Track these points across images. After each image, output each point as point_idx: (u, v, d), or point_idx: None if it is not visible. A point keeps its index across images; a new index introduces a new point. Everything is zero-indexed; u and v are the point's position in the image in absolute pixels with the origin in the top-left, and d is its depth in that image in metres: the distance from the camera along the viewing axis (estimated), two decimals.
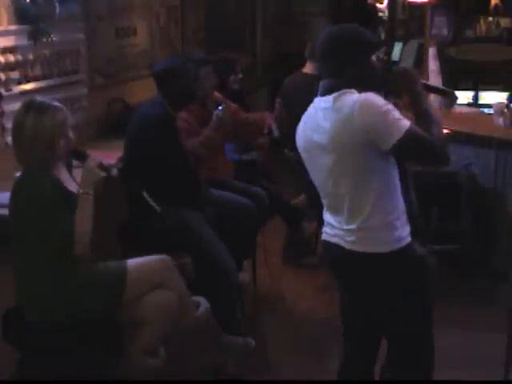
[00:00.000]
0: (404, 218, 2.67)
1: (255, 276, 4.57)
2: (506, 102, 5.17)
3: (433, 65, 5.66)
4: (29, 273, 2.92)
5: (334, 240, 2.69)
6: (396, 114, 2.52)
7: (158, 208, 3.32)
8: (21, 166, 2.94)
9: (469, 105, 6.06)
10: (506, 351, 3.39)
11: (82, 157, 3.03)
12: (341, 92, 2.60)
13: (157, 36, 5.97)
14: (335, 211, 2.68)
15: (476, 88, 6.80)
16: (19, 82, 3.94)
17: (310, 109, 2.71)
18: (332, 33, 2.69)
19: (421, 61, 6.17)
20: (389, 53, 7.51)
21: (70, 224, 2.84)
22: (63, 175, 3.02)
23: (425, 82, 2.82)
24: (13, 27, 3.91)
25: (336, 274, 2.81)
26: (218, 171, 4.39)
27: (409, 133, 2.50)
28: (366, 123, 2.50)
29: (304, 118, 2.73)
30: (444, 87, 2.84)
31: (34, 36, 4.01)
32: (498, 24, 8.23)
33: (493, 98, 5.85)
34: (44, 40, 4.08)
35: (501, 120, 4.88)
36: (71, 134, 2.96)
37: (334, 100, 2.59)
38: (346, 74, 2.62)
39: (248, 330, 3.94)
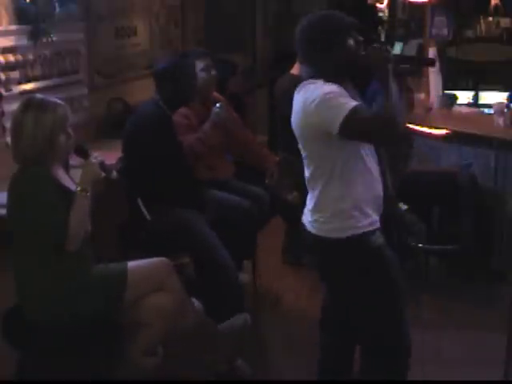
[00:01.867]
0: (367, 206, 2.71)
1: (255, 276, 4.57)
2: (505, 102, 5.17)
3: None
4: (28, 273, 2.92)
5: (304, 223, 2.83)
6: (339, 99, 2.59)
7: (148, 216, 3.34)
8: (17, 163, 2.93)
9: (469, 105, 6.05)
10: (506, 351, 3.39)
11: (84, 153, 3.03)
12: (306, 82, 2.71)
13: (157, 36, 5.97)
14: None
15: (476, 88, 6.79)
16: (19, 82, 3.94)
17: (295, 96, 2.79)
18: (306, 20, 2.76)
19: None
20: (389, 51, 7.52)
21: (64, 221, 2.84)
22: (60, 174, 3.01)
23: (394, 53, 2.84)
24: (13, 27, 3.91)
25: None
26: (218, 171, 4.39)
27: (353, 111, 2.55)
28: (309, 117, 2.62)
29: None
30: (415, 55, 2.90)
31: (34, 36, 4.01)
32: (498, 24, 8.22)
33: (493, 97, 5.84)
34: (44, 40, 4.08)
35: (501, 120, 4.88)
36: (71, 131, 2.95)
37: (299, 90, 2.72)
38: (320, 60, 2.70)
39: (248, 330, 3.95)
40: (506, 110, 4.91)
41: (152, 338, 3.09)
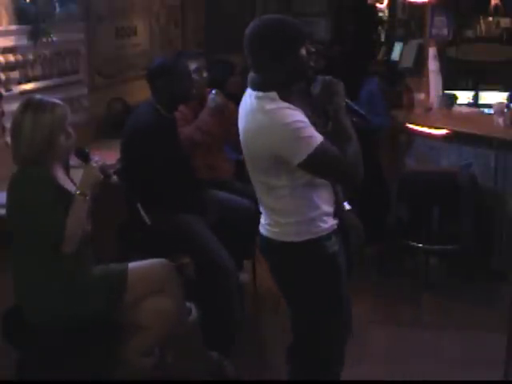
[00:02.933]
0: (323, 210, 2.64)
1: (255, 276, 4.57)
2: (505, 102, 5.17)
3: (433, 65, 5.66)
4: (27, 273, 2.91)
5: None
6: (306, 131, 2.48)
7: (148, 221, 3.33)
8: (17, 164, 2.92)
9: (469, 105, 6.06)
10: (506, 351, 3.39)
11: (85, 157, 3.03)
12: (261, 95, 2.57)
13: (157, 36, 5.97)
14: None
15: (476, 88, 6.79)
16: (19, 82, 3.94)
17: (244, 98, 2.69)
18: (256, 26, 2.60)
19: (421, 61, 6.18)
20: (389, 52, 7.53)
21: (63, 222, 2.83)
22: (60, 174, 3.00)
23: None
24: (13, 27, 3.90)
25: None
26: (217, 171, 4.38)
27: (317, 151, 2.47)
28: (271, 142, 2.50)
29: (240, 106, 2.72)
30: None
31: (34, 36, 4.01)
32: (498, 24, 8.22)
33: (493, 97, 5.84)
34: (44, 40, 4.08)
35: (501, 120, 4.88)
36: (71, 130, 2.95)
37: (253, 102, 2.58)
38: (270, 69, 2.56)
39: (248, 330, 3.95)
40: (506, 110, 4.91)
41: (150, 339, 3.09)
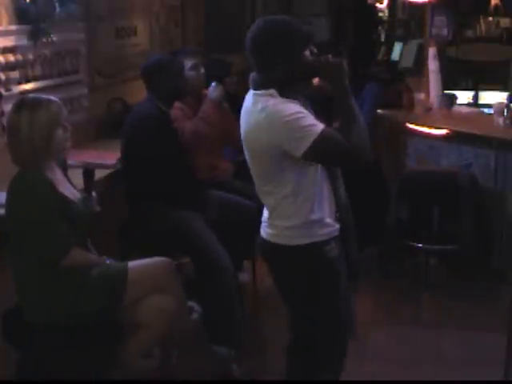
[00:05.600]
0: (324, 215, 2.65)
1: (255, 276, 4.57)
2: (505, 101, 5.17)
3: (433, 65, 5.66)
4: (27, 273, 2.91)
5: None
6: (306, 120, 2.49)
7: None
8: (17, 165, 2.91)
9: (469, 105, 6.05)
10: (506, 351, 3.39)
11: (90, 178, 3.10)
12: (260, 93, 2.58)
13: (157, 36, 5.96)
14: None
15: (476, 88, 6.79)
16: (19, 82, 3.94)
17: (245, 100, 2.71)
18: (259, 27, 2.61)
19: (421, 61, 6.18)
20: (389, 52, 7.53)
21: (61, 227, 2.84)
22: (58, 176, 3.00)
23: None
24: (13, 27, 3.90)
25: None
26: (218, 171, 4.39)
27: (320, 138, 2.47)
28: (271, 137, 2.51)
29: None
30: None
31: (34, 36, 4.00)
32: (498, 24, 8.22)
33: (493, 97, 5.84)
34: (44, 40, 4.08)
35: (501, 120, 4.88)
36: (67, 124, 2.94)
37: (253, 101, 2.60)
38: (273, 69, 2.56)
39: (248, 330, 3.95)
40: (505, 110, 4.91)
41: (150, 339, 3.09)
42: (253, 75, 2.65)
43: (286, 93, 2.57)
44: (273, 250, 2.75)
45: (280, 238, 2.70)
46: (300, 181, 2.60)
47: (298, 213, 2.63)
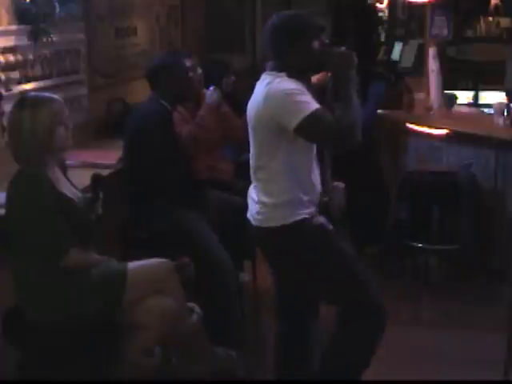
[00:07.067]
0: (309, 197, 2.81)
1: (255, 276, 4.57)
2: (505, 101, 5.17)
3: (433, 65, 5.66)
4: (26, 273, 2.91)
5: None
6: (303, 97, 2.67)
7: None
8: (19, 163, 2.91)
9: (469, 105, 6.06)
10: (506, 351, 3.39)
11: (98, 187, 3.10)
12: (271, 73, 2.80)
13: (157, 36, 5.97)
14: None
15: (476, 88, 6.80)
16: (19, 82, 3.94)
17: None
18: (274, 20, 2.86)
19: (421, 61, 6.18)
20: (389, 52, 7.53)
21: (61, 227, 2.84)
22: (58, 175, 3.00)
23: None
24: (13, 27, 3.90)
25: None
26: (218, 172, 4.38)
27: (312, 115, 2.63)
28: (269, 108, 2.70)
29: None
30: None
31: (34, 36, 4.01)
32: (498, 24, 8.23)
33: (493, 98, 5.85)
34: (44, 40, 4.08)
35: (501, 120, 4.88)
36: (68, 122, 2.94)
37: (262, 78, 2.82)
38: (286, 55, 2.79)
39: (248, 330, 3.94)
40: (505, 110, 4.91)
41: (150, 339, 3.08)
42: (269, 63, 2.86)
43: (295, 77, 2.76)
44: (262, 233, 2.89)
45: (267, 221, 2.85)
46: (293, 159, 2.76)
47: (287, 190, 2.78)
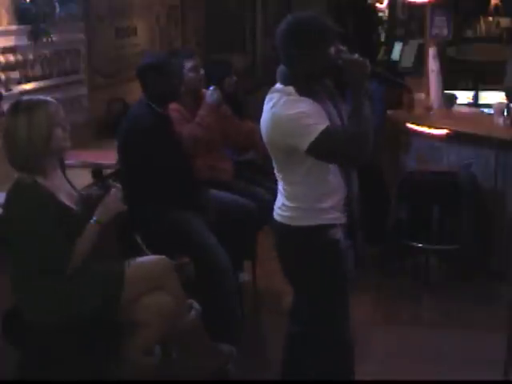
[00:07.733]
0: (332, 203, 2.77)
1: (255, 276, 4.57)
2: (505, 101, 5.17)
3: (433, 65, 5.66)
4: (25, 273, 2.91)
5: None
6: (309, 120, 2.61)
7: (148, 253, 3.41)
8: (15, 168, 2.88)
9: (469, 105, 6.06)
10: (506, 351, 3.39)
11: (106, 187, 3.06)
12: (279, 88, 2.72)
13: (157, 36, 5.97)
14: None
15: (476, 88, 6.80)
16: (19, 82, 3.94)
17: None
18: (288, 22, 2.73)
19: (421, 61, 6.18)
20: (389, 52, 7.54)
21: (60, 240, 2.83)
22: (57, 179, 2.97)
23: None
24: (13, 27, 3.91)
25: None
26: (218, 172, 4.38)
27: (322, 136, 2.59)
28: (277, 133, 2.68)
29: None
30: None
31: (34, 36, 4.01)
32: (498, 24, 8.24)
33: (493, 98, 5.84)
34: (44, 40, 4.08)
35: (501, 120, 4.88)
36: (65, 123, 2.93)
37: (269, 95, 2.74)
38: (299, 61, 2.69)
39: (248, 330, 3.95)
40: (505, 110, 4.91)
41: (150, 337, 3.08)
42: (280, 68, 2.78)
43: (305, 90, 2.69)
44: (278, 229, 2.87)
45: (285, 218, 2.83)
46: (309, 172, 2.73)
47: (305, 200, 2.77)
